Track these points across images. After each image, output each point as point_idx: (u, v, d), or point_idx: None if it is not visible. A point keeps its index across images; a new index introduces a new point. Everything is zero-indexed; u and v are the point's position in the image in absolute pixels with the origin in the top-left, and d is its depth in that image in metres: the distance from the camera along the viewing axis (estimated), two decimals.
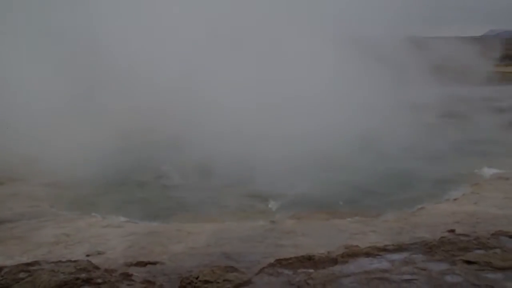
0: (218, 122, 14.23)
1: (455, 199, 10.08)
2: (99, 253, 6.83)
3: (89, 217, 9.01)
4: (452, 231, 7.23)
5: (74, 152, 13.09)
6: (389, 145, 14.49)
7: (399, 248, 6.33)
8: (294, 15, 18.73)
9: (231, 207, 10.32)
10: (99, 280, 5.43)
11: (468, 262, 5.68)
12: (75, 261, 6.01)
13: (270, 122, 14.11)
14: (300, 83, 15.87)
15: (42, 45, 16.38)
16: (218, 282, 5.39)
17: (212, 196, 10.94)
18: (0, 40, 16.25)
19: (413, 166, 12.97)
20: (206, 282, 5.40)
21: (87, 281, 5.37)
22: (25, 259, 6.43)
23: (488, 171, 12.01)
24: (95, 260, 6.25)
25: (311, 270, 5.68)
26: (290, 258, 6.03)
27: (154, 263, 6.29)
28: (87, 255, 6.67)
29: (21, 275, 5.52)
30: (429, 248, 6.22)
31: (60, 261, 6.03)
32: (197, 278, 5.49)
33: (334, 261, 5.96)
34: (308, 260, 5.98)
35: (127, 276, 5.75)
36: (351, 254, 6.16)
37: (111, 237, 7.60)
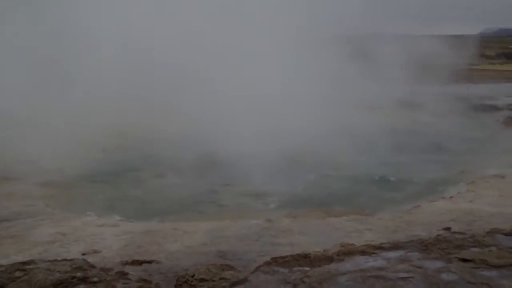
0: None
1: (450, 197, 10.10)
2: (95, 251, 6.81)
3: (84, 216, 8.99)
4: (448, 229, 7.24)
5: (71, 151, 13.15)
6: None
7: (394, 246, 6.34)
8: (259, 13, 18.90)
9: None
10: (95, 279, 5.43)
11: (464, 260, 5.70)
12: (71, 259, 6.01)
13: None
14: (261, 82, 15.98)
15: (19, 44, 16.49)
16: (214, 281, 5.39)
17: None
18: None
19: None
20: (202, 280, 5.40)
21: (83, 279, 5.37)
22: (20, 258, 6.41)
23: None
24: (91, 259, 6.24)
25: (307, 268, 5.70)
26: (286, 256, 6.04)
27: (150, 262, 6.29)
28: (83, 254, 6.65)
29: (17, 274, 5.52)
30: (424, 246, 6.24)
31: (56, 260, 6.03)
32: (193, 277, 5.49)
33: (330, 259, 5.97)
34: (304, 258, 5.99)
35: (123, 274, 5.75)
36: (347, 252, 6.17)
37: (107, 236, 7.59)
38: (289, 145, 13.30)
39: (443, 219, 8.00)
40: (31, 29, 16.62)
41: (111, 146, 14.61)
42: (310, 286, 5.22)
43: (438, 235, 6.75)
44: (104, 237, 7.55)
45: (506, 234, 6.63)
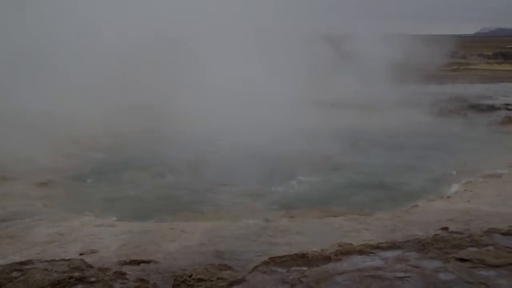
0: None
1: (448, 197, 10.12)
2: (93, 251, 6.81)
3: (82, 216, 8.99)
4: (445, 228, 7.25)
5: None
6: None
7: (392, 246, 6.35)
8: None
9: None
10: (93, 279, 5.43)
11: (461, 260, 5.71)
12: (68, 260, 6.00)
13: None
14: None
15: None
16: (212, 280, 5.39)
17: None
18: None
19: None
20: (200, 280, 5.40)
21: (81, 279, 5.37)
22: (18, 258, 6.41)
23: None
24: (88, 259, 6.24)
25: (305, 268, 5.70)
26: (284, 256, 6.04)
27: (147, 262, 6.29)
28: (81, 254, 6.65)
29: (14, 274, 5.51)
30: (422, 246, 6.25)
31: (53, 260, 6.02)
32: (190, 277, 5.49)
33: (327, 259, 5.98)
34: (302, 258, 5.99)
35: (120, 274, 5.75)
36: (345, 252, 6.18)
37: (104, 236, 7.59)
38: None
39: (440, 219, 8.01)
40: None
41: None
42: (308, 285, 5.22)
43: (435, 234, 6.76)
44: (101, 237, 7.55)
45: (504, 234, 6.64)
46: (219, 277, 5.46)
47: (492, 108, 22.43)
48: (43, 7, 18.20)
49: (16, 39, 16.94)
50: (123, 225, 8.36)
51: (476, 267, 5.52)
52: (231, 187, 11.39)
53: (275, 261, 5.93)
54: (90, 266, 5.82)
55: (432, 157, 13.93)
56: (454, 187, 10.83)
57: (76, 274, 5.46)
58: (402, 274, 5.40)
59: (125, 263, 6.25)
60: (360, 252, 6.19)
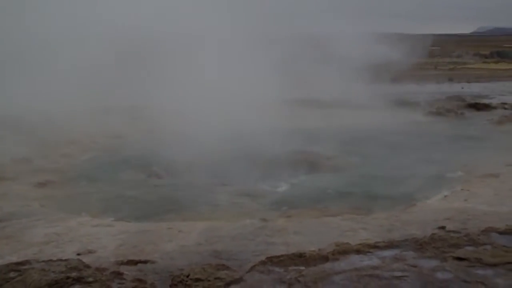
0: None
1: (445, 196, 10.12)
2: (90, 252, 6.80)
3: (79, 216, 8.99)
4: (443, 228, 7.25)
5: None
6: None
7: (389, 245, 6.35)
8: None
9: None
10: (90, 279, 5.42)
11: (459, 259, 5.71)
12: (65, 260, 5.99)
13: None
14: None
15: None
16: (209, 280, 5.39)
17: None
18: None
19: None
20: (197, 280, 5.40)
21: (78, 280, 5.36)
22: (15, 259, 6.40)
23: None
24: (86, 259, 6.23)
25: (302, 268, 5.70)
26: (281, 256, 6.04)
27: (145, 262, 6.28)
28: (78, 254, 6.64)
29: (12, 274, 5.50)
30: (419, 245, 6.25)
31: (50, 260, 6.01)
32: (188, 276, 5.49)
33: (325, 258, 5.98)
34: (299, 258, 5.99)
35: (118, 274, 5.74)
36: (342, 251, 6.18)
37: (101, 236, 7.58)
38: None
39: (438, 218, 8.01)
40: None
41: None
42: (305, 285, 5.22)
43: (433, 234, 6.76)
44: (99, 237, 7.54)
45: (501, 233, 6.65)
46: (216, 277, 5.46)
47: (489, 107, 22.48)
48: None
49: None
50: (120, 225, 8.35)
51: (473, 266, 5.52)
52: None
53: (272, 260, 5.93)
54: (88, 266, 5.81)
55: (429, 157, 13.93)
56: (451, 187, 10.84)
57: (74, 274, 5.46)
58: (399, 274, 5.40)
59: (122, 263, 6.24)
60: (358, 251, 6.19)
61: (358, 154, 14.45)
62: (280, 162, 13.01)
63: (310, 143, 15.20)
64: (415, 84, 35.26)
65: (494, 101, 24.70)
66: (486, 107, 22.55)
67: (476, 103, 23.25)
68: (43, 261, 6.00)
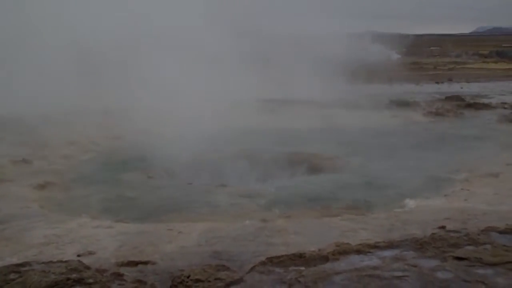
0: None
1: (445, 196, 10.12)
2: (90, 253, 6.80)
3: (79, 217, 8.97)
4: (443, 227, 7.25)
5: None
6: None
7: (390, 245, 6.35)
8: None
9: None
10: (90, 280, 5.41)
11: (459, 258, 5.71)
12: (66, 261, 5.99)
13: None
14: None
15: None
16: (210, 281, 5.39)
17: None
18: None
19: None
20: (198, 281, 5.40)
21: (78, 281, 5.35)
22: (15, 260, 6.40)
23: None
24: (86, 260, 6.23)
25: (302, 268, 5.70)
26: (281, 256, 6.03)
27: (145, 263, 6.28)
28: (78, 255, 6.64)
29: (12, 276, 5.49)
30: (419, 245, 6.25)
31: (51, 262, 6.01)
32: (188, 277, 5.48)
33: (325, 258, 5.97)
34: (299, 258, 5.99)
35: (118, 275, 5.74)
36: (342, 251, 6.17)
37: (101, 237, 7.58)
38: None
39: (438, 218, 8.01)
40: None
41: None
42: (306, 285, 5.22)
43: (433, 233, 6.76)
44: (99, 238, 7.54)
45: (501, 232, 6.65)
46: (216, 278, 5.45)
47: (488, 107, 22.49)
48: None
49: None
50: (120, 226, 8.35)
51: (473, 266, 5.52)
52: None
53: (272, 261, 5.93)
54: (88, 268, 5.81)
55: (429, 156, 13.93)
56: (451, 186, 10.84)
57: (74, 275, 5.45)
58: (399, 273, 5.40)
59: (122, 264, 6.24)
60: (358, 251, 6.19)
61: (358, 154, 14.44)
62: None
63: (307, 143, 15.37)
64: (414, 84, 35.30)
65: (493, 101, 24.72)
66: (485, 106, 22.56)
67: (476, 103, 23.27)
68: (43, 262, 6.00)
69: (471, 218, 7.97)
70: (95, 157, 14.43)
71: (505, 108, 22.36)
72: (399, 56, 75.84)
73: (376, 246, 6.32)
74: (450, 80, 38.78)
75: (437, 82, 37.51)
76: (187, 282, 5.41)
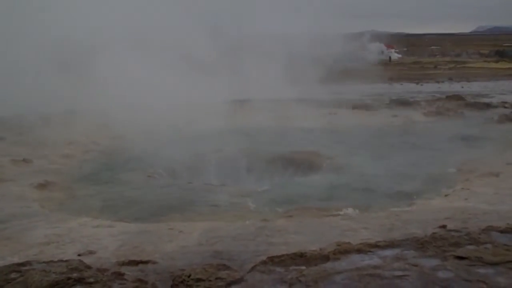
0: None
1: (446, 195, 10.12)
2: (91, 252, 6.80)
3: (80, 217, 8.98)
4: (443, 227, 7.25)
5: None
6: None
7: (390, 245, 6.34)
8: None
9: None
10: (91, 280, 5.41)
11: (460, 258, 5.70)
12: (66, 260, 5.99)
13: None
14: None
15: None
16: (210, 280, 5.38)
17: None
18: None
19: None
20: (198, 280, 5.39)
21: (79, 280, 5.35)
22: (16, 260, 6.40)
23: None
24: (86, 260, 6.22)
25: (303, 267, 5.69)
26: (282, 256, 6.03)
27: (146, 262, 6.28)
28: (79, 255, 6.64)
29: (13, 275, 5.49)
30: (420, 244, 6.24)
31: (51, 261, 6.01)
32: (189, 277, 5.48)
33: (326, 258, 5.97)
34: (300, 257, 5.98)
35: (119, 275, 5.73)
36: (343, 251, 6.16)
37: (102, 237, 7.58)
38: None
39: (438, 217, 8.01)
40: None
41: None
42: (306, 285, 5.22)
43: (433, 233, 6.75)
44: (99, 237, 7.54)
45: (502, 232, 6.64)
46: (217, 277, 5.45)
47: (489, 106, 22.48)
48: None
49: None
50: (120, 226, 8.36)
51: (474, 265, 5.51)
52: None
53: (273, 260, 5.92)
54: (89, 267, 5.81)
55: (429, 156, 13.94)
56: (452, 185, 10.84)
57: (75, 275, 5.45)
58: (400, 273, 5.39)
59: (123, 263, 6.24)
60: (359, 251, 6.18)
61: (360, 153, 14.46)
62: None
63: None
64: (415, 83, 35.31)
65: (494, 100, 24.72)
66: (486, 106, 22.54)
67: (476, 102, 23.26)
68: (44, 262, 6.00)
69: (472, 218, 7.97)
70: None
71: (505, 107, 22.35)
72: (399, 55, 76.12)
73: (377, 246, 6.31)
74: (450, 79, 38.82)
75: (438, 82, 37.54)
76: (188, 281, 5.41)
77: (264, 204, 10.28)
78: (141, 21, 19.38)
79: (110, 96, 16.18)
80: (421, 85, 35.34)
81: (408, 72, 48.30)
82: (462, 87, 32.97)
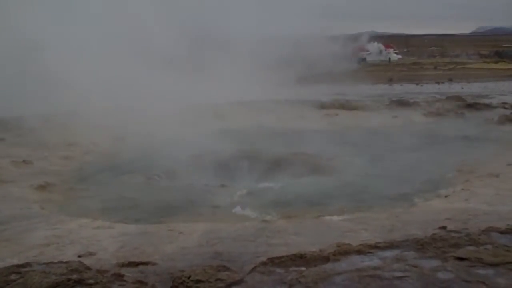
0: None
1: (446, 196, 10.11)
2: (91, 254, 6.80)
3: (80, 218, 8.97)
4: (444, 228, 7.25)
5: None
6: None
7: (390, 246, 6.34)
8: None
9: None
10: (91, 281, 5.41)
11: (460, 259, 5.69)
12: (66, 262, 5.99)
13: None
14: None
15: None
16: (210, 282, 5.38)
17: None
18: None
19: None
20: (198, 281, 5.39)
21: (79, 282, 5.35)
22: (16, 261, 6.39)
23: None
24: (86, 261, 6.22)
25: (303, 268, 5.69)
26: (282, 257, 6.02)
27: (145, 263, 6.28)
28: (79, 256, 6.64)
29: (13, 276, 5.49)
30: (420, 245, 6.24)
31: (51, 262, 6.01)
32: (189, 278, 5.48)
33: (326, 259, 5.96)
34: (300, 259, 5.98)
35: (119, 276, 5.73)
36: (343, 252, 6.16)
37: (102, 238, 7.57)
38: None
39: (438, 218, 8.01)
40: None
41: None
42: (306, 286, 5.21)
43: (433, 234, 6.75)
44: (99, 239, 7.54)
45: (502, 232, 6.64)
46: (217, 278, 5.45)
47: (489, 107, 22.48)
48: None
49: None
50: (120, 227, 8.35)
51: (474, 266, 5.51)
52: None
53: (273, 261, 5.92)
54: (88, 268, 5.81)
55: (429, 156, 13.94)
56: (452, 186, 10.83)
57: (75, 276, 5.44)
58: (400, 274, 5.39)
59: (123, 265, 6.23)
60: (359, 252, 6.18)
61: (360, 154, 14.46)
62: None
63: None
64: (415, 84, 35.33)
65: (494, 101, 24.72)
66: (486, 107, 22.55)
67: (476, 103, 23.26)
68: (44, 263, 6.00)
69: (472, 218, 7.97)
70: None
71: (505, 108, 22.36)
72: (399, 56, 76.20)
73: (376, 247, 6.31)
74: (450, 80, 38.84)
75: (438, 82, 37.56)
76: (187, 282, 5.40)
77: (262, 206, 10.28)
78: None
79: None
80: (421, 86, 35.39)
81: (408, 73, 48.38)
82: (462, 88, 32.98)
